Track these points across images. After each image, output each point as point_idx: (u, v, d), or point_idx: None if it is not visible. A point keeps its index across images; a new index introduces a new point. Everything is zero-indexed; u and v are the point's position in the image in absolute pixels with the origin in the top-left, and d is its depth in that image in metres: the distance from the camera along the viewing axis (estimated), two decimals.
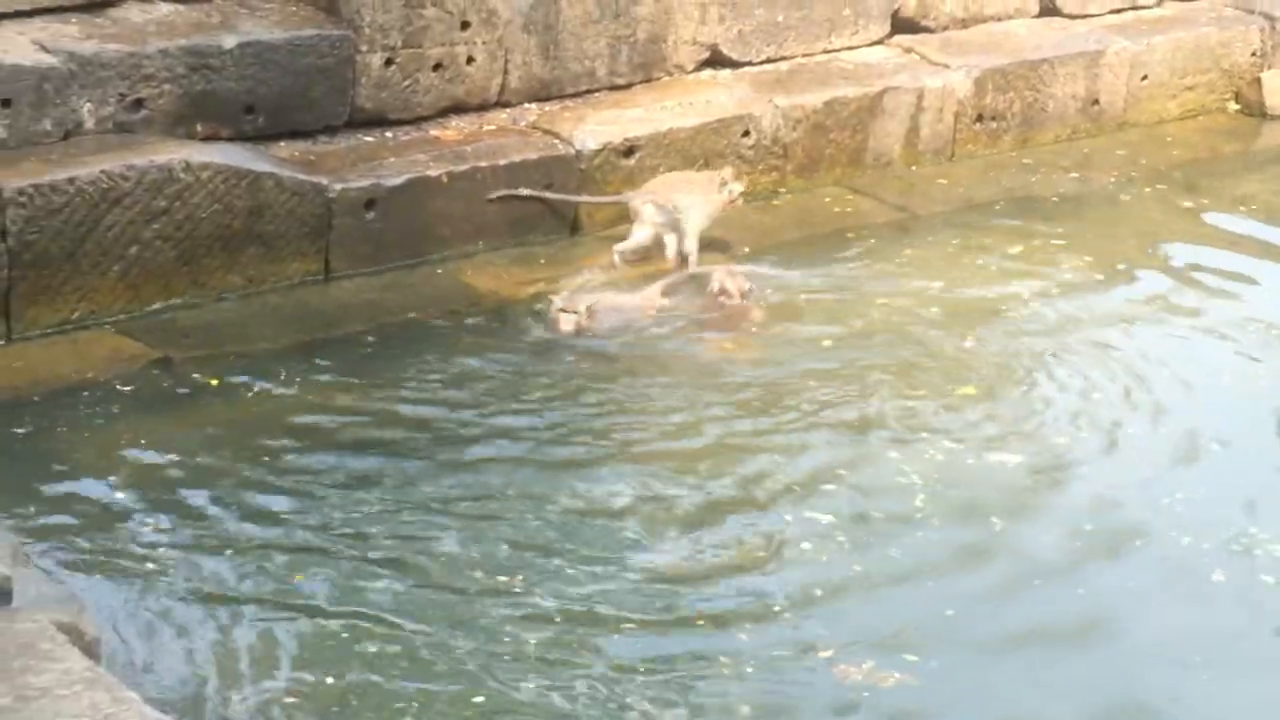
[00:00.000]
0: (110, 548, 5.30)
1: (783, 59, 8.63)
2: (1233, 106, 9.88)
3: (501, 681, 4.83)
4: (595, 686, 4.84)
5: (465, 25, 7.63)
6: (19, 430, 5.89)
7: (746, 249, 7.71)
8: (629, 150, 7.77)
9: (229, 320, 6.72)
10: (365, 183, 7.11)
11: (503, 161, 7.45)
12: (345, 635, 4.99)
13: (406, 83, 7.53)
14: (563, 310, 6.70)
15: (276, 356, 6.50)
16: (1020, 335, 7.10)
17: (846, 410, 6.41)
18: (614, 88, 8.12)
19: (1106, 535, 5.76)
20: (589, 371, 6.59)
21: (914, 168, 8.70)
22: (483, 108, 7.79)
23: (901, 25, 9.05)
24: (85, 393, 6.15)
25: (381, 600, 5.16)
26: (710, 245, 7.60)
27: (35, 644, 3.80)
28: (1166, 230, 8.35)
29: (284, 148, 7.19)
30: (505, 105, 7.86)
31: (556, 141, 7.66)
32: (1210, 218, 8.53)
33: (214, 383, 6.29)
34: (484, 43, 7.71)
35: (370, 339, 6.72)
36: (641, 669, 4.93)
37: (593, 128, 7.74)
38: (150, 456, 5.82)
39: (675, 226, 7.44)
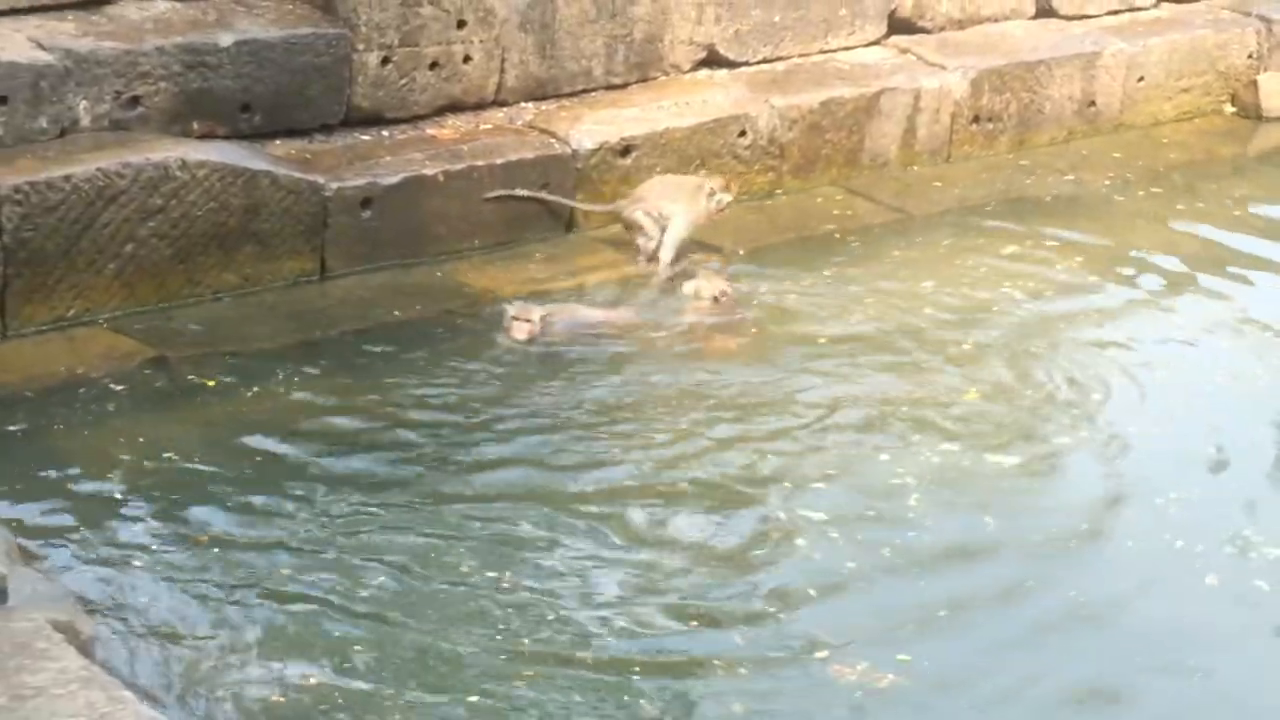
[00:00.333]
0: (105, 546, 5.30)
1: (779, 59, 8.63)
2: (1229, 109, 9.88)
3: (495, 680, 4.83)
4: (589, 686, 4.84)
5: (462, 24, 7.63)
6: (13, 427, 5.88)
7: (741, 251, 7.71)
8: (625, 150, 7.77)
9: (224, 319, 6.72)
10: (361, 181, 7.11)
11: (499, 161, 7.45)
12: (340, 634, 4.99)
13: (403, 81, 7.53)
14: (515, 318, 6.70)
15: (271, 355, 6.49)
16: (1015, 336, 7.10)
17: (841, 410, 6.40)
18: (610, 87, 8.12)
19: (1101, 537, 5.77)
20: (585, 371, 6.59)
21: (910, 168, 8.71)
22: (479, 107, 7.79)
23: (898, 26, 9.05)
24: (80, 390, 6.15)
25: (378, 598, 5.16)
26: (704, 247, 7.61)
27: (31, 643, 3.80)
28: (1162, 232, 8.35)
29: (280, 146, 7.19)
30: (502, 104, 7.85)
31: (553, 141, 7.66)
32: (1206, 220, 8.53)
33: (209, 381, 6.29)
34: (481, 42, 7.71)
35: (366, 338, 6.71)
36: (634, 669, 4.93)
37: (589, 127, 7.74)
38: (145, 454, 5.81)
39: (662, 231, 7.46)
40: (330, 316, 6.84)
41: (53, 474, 5.66)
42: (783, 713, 4.82)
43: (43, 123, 6.65)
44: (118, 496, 5.58)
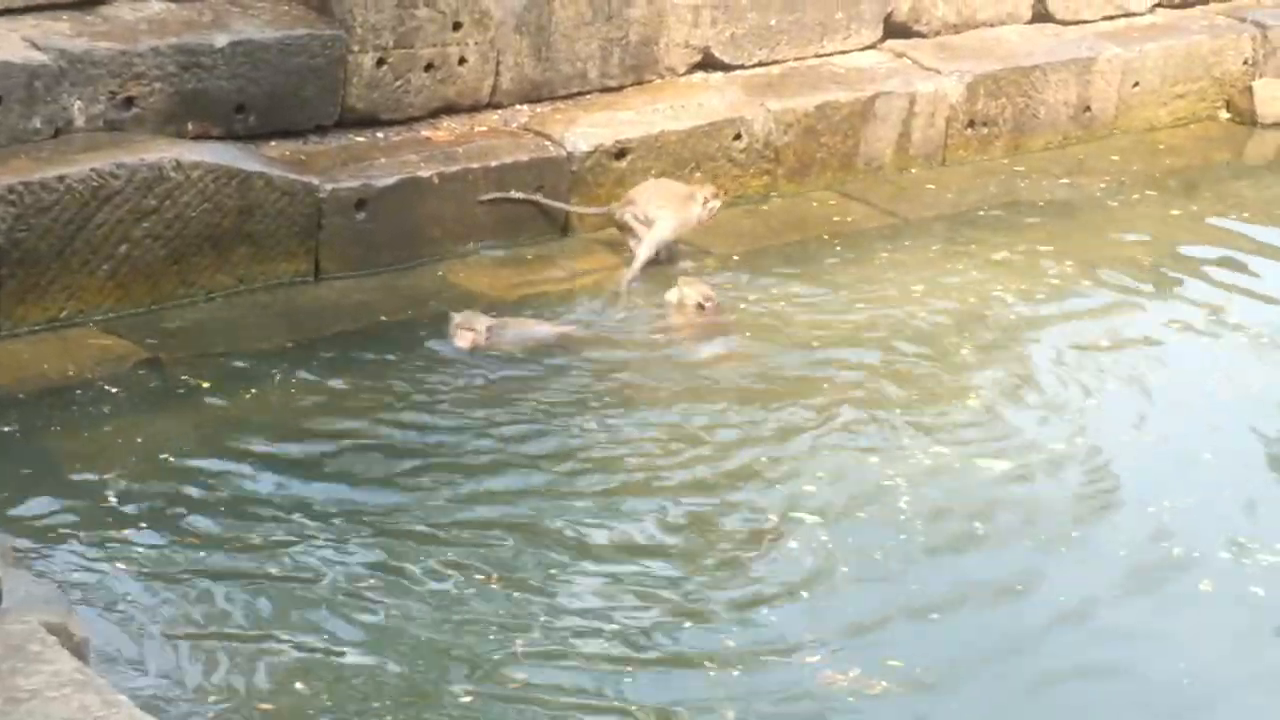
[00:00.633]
0: (98, 547, 5.29)
1: (775, 63, 8.63)
2: (1224, 114, 9.88)
3: (485, 681, 4.84)
4: (580, 688, 4.84)
5: (457, 26, 7.63)
6: (6, 429, 5.88)
7: (735, 254, 7.72)
8: (620, 152, 7.77)
9: (218, 320, 6.71)
10: (356, 183, 7.11)
11: (494, 163, 7.45)
12: (335, 633, 4.99)
13: (398, 83, 7.53)
14: (460, 326, 6.68)
15: (266, 357, 6.49)
16: (1008, 341, 7.10)
17: (834, 414, 6.40)
18: (606, 90, 8.11)
19: (1093, 541, 5.77)
20: (576, 377, 6.59)
21: (905, 172, 8.70)
22: (474, 109, 7.79)
23: (894, 30, 9.05)
24: (73, 391, 6.14)
25: (372, 598, 5.16)
26: (698, 250, 7.61)
27: (25, 646, 3.80)
28: (1157, 237, 8.35)
29: (275, 147, 7.19)
30: (497, 106, 7.85)
31: (548, 143, 7.65)
32: (1200, 225, 8.53)
33: (203, 383, 6.28)
34: (476, 44, 7.71)
35: (360, 339, 6.71)
36: (626, 668, 4.93)
37: (584, 130, 7.74)
38: (139, 456, 5.81)
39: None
40: (324, 318, 6.84)
41: (46, 475, 5.66)
42: (774, 713, 4.83)
43: (37, 123, 6.65)
44: (111, 498, 5.57)
